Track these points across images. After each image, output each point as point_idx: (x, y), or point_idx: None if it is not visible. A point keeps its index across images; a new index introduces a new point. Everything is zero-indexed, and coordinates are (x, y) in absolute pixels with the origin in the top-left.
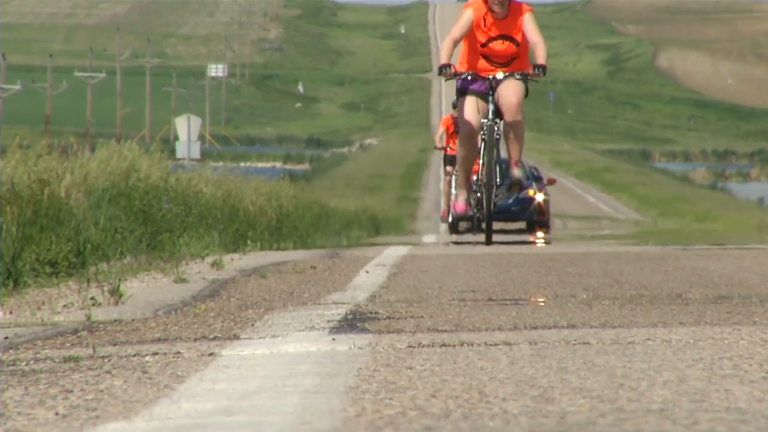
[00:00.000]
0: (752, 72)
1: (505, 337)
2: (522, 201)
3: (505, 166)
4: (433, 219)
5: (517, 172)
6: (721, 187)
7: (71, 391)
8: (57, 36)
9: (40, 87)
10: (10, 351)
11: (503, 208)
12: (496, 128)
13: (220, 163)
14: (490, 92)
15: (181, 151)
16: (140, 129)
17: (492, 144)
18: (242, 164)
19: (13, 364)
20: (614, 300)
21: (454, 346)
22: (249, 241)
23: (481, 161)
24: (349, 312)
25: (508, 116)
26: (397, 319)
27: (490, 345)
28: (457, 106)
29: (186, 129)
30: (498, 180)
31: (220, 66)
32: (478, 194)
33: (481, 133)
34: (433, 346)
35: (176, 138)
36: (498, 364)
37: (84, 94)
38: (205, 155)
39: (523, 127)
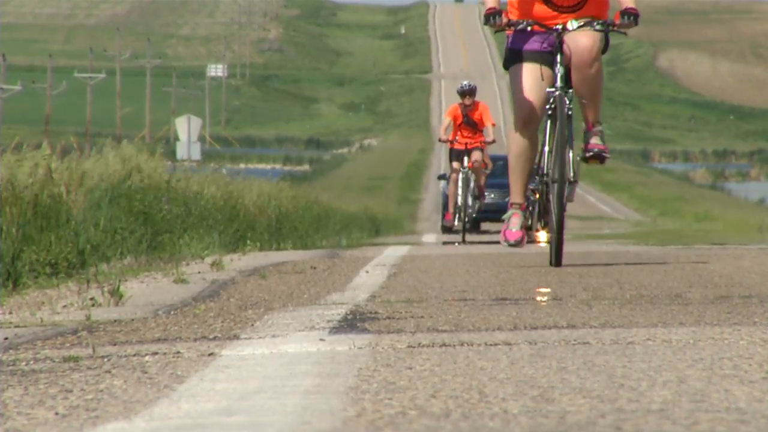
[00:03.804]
0: (752, 72)
1: (505, 337)
2: None
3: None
4: (433, 220)
5: (596, 140)
6: (720, 187)
7: (71, 391)
8: (57, 36)
9: (40, 87)
10: (10, 351)
11: (500, 207)
12: (567, 99)
13: (221, 166)
14: (558, 49)
15: (181, 152)
16: (140, 129)
17: (564, 121)
18: (242, 165)
19: (13, 364)
20: (614, 300)
21: (454, 346)
22: (249, 242)
23: (546, 147)
24: (349, 312)
25: (581, 66)
26: (397, 319)
27: (490, 345)
28: (510, 77)
29: (186, 129)
30: (573, 173)
31: (220, 66)
32: (539, 194)
33: (547, 106)
34: (433, 346)
35: (176, 139)
36: (498, 364)
37: (84, 94)
38: (205, 156)
39: (601, 80)
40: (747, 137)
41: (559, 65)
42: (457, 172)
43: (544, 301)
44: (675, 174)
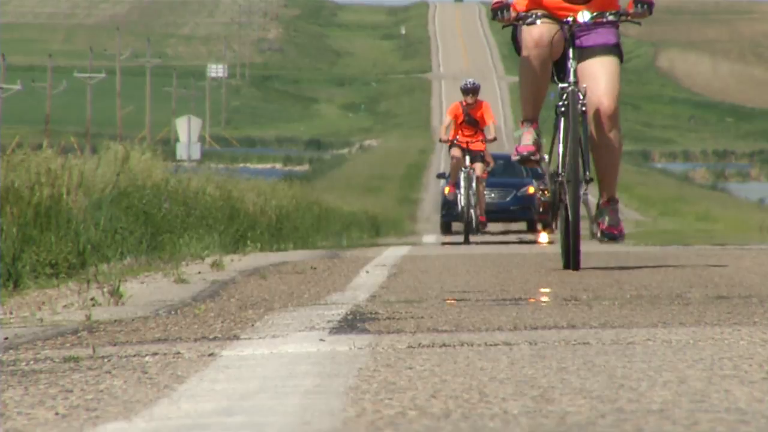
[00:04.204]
0: (752, 72)
1: (505, 338)
2: (521, 199)
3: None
4: (433, 221)
5: (610, 220)
6: (721, 187)
7: (71, 391)
8: (57, 36)
9: (40, 87)
10: (10, 351)
11: (501, 207)
12: (581, 95)
13: (224, 166)
14: (570, 43)
15: (181, 152)
16: (140, 129)
17: (576, 119)
18: (241, 165)
19: (13, 364)
20: (614, 300)
21: (454, 346)
22: (249, 242)
23: (560, 146)
24: (349, 312)
25: (596, 128)
26: (397, 319)
27: (490, 345)
28: (516, 36)
29: (186, 130)
30: (588, 172)
31: (220, 66)
32: (552, 194)
33: (560, 103)
34: (433, 347)
35: (177, 139)
36: (498, 365)
37: (84, 94)
38: (206, 156)
39: (619, 147)
40: (747, 137)
41: (571, 59)
42: (458, 159)
43: (544, 302)
44: (675, 174)
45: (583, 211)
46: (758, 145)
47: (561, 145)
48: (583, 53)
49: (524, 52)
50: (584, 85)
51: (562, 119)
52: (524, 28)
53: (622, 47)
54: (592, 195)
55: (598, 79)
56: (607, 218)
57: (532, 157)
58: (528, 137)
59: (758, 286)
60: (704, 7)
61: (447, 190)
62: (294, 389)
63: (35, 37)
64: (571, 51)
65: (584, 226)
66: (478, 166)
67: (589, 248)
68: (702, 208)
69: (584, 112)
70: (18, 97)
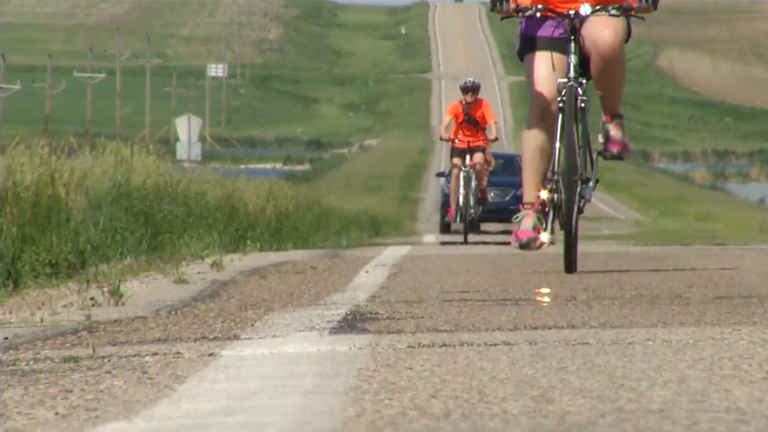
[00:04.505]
0: (752, 72)
1: (505, 338)
2: (521, 199)
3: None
4: (433, 221)
5: (615, 135)
6: (721, 187)
7: (71, 391)
8: (57, 36)
9: (40, 87)
10: (10, 351)
11: (501, 207)
12: (580, 90)
13: (223, 166)
14: (572, 37)
15: (181, 152)
16: (140, 129)
17: (572, 115)
18: (242, 166)
19: (13, 364)
20: (614, 300)
21: (454, 346)
22: (249, 242)
23: (557, 142)
24: (349, 312)
25: (601, 61)
26: (397, 319)
27: (490, 345)
28: (525, 67)
29: (186, 129)
30: (587, 171)
31: (220, 66)
32: (554, 195)
33: (558, 98)
34: (433, 347)
35: (177, 139)
36: (498, 365)
37: (84, 94)
38: (206, 156)
39: (623, 73)
40: (747, 137)
41: (572, 54)
42: (458, 168)
43: (544, 302)
44: (675, 174)
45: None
46: (758, 145)
47: (558, 143)
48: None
49: (529, 126)
50: (584, 81)
51: (561, 116)
52: (531, 64)
53: (631, 22)
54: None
55: (600, 25)
56: (611, 134)
57: (532, 245)
58: (528, 222)
59: (758, 286)
60: (704, 6)
61: (447, 190)
62: (294, 389)
63: (35, 37)
64: (572, 45)
65: (585, 227)
66: (477, 156)
67: (589, 248)
68: (702, 208)
69: (584, 108)
70: (18, 97)
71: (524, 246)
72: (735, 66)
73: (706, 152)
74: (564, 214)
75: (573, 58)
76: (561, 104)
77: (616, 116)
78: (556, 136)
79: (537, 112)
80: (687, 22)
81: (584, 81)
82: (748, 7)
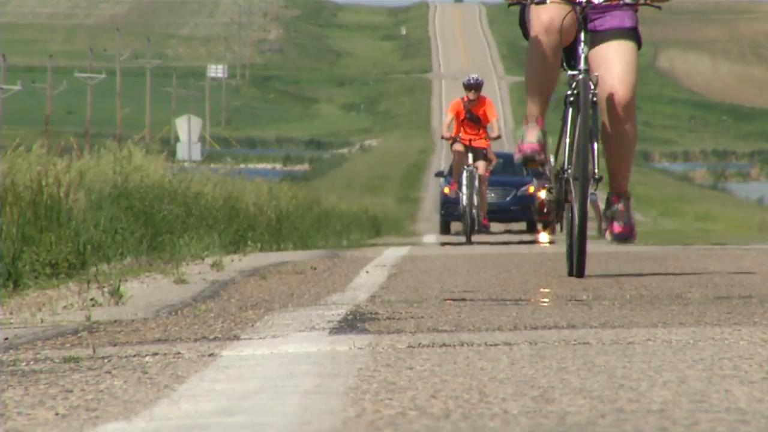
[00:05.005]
0: (752, 72)
1: (505, 338)
2: (521, 199)
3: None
4: (433, 220)
5: (620, 221)
6: (721, 187)
7: (71, 392)
8: (57, 36)
9: (40, 87)
10: (10, 351)
11: (501, 207)
12: (592, 83)
13: (226, 165)
14: (581, 25)
15: (181, 152)
16: (140, 129)
17: (586, 110)
18: (242, 166)
19: (13, 365)
20: (614, 300)
21: (454, 346)
22: (249, 242)
23: (567, 138)
24: (349, 312)
25: (610, 117)
26: (397, 319)
27: (490, 345)
28: (524, 19)
29: (186, 130)
30: (597, 170)
31: (220, 67)
32: (558, 191)
33: (569, 92)
34: (433, 347)
35: (177, 139)
36: (498, 365)
37: (84, 94)
38: (206, 157)
39: (634, 139)
40: (747, 137)
41: (583, 45)
42: (461, 154)
43: (544, 302)
44: (675, 174)
45: (591, 212)
46: (758, 145)
47: (568, 138)
48: (597, 37)
49: (532, 35)
50: (596, 74)
51: (571, 110)
52: (533, 8)
53: (640, 32)
54: (601, 191)
55: (612, 65)
56: (618, 217)
57: (536, 157)
58: (532, 135)
59: (758, 286)
60: (704, 6)
61: (447, 189)
62: (294, 389)
63: (35, 37)
64: (582, 35)
65: (591, 227)
66: (481, 165)
67: (589, 248)
68: (702, 208)
69: (595, 103)
70: (18, 97)
71: (528, 159)
72: (735, 66)
73: (706, 152)
74: (577, 216)
75: (584, 49)
76: (572, 98)
77: (623, 196)
78: (566, 131)
79: (541, 26)
80: (687, 22)
81: (596, 74)
82: (748, 7)
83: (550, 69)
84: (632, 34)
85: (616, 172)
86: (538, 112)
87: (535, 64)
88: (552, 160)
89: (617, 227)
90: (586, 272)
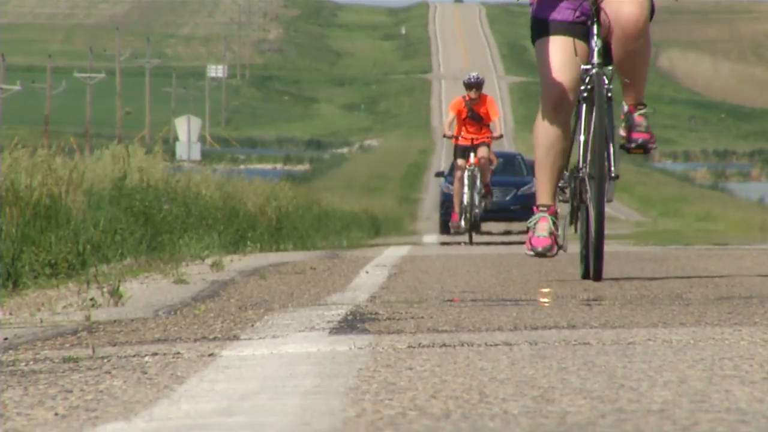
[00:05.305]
0: (753, 72)
1: (506, 338)
2: (522, 199)
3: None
4: (433, 219)
5: (640, 126)
6: (721, 187)
7: (71, 392)
8: (56, 36)
9: (40, 87)
10: (10, 351)
11: (501, 207)
12: (606, 78)
13: (221, 165)
14: (593, 18)
15: (181, 152)
16: (140, 129)
17: (603, 106)
18: (242, 166)
19: (12, 365)
20: (614, 300)
21: (455, 346)
22: (249, 242)
23: (581, 136)
24: (349, 313)
25: (625, 40)
26: (398, 319)
27: (491, 345)
28: (537, 53)
29: (186, 130)
30: (613, 168)
31: (220, 67)
32: (573, 191)
33: (582, 87)
34: (433, 347)
35: (176, 139)
36: (498, 365)
37: (83, 94)
38: (205, 157)
39: (648, 54)
40: (748, 137)
41: (595, 38)
42: (462, 170)
43: (544, 302)
44: (676, 174)
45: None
46: (759, 144)
47: (582, 136)
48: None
49: (542, 118)
50: (610, 67)
51: (585, 106)
52: (547, 49)
53: (654, 3)
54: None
55: (623, 2)
56: (636, 125)
57: (548, 254)
58: (543, 227)
59: (759, 286)
60: (704, 6)
61: (447, 189)
62: (294, 389)
63: (35, 37)
64: (594, 28)
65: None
66: (482, 150)
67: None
68: (703, 208)
69: (610, 98)
70: (18, 97)
71: (540, 255)
72: (735, 66)
73: (706, 152)
74: (594, 216)
75: (597, 42)
76: (586, 93)
77: (640, 105)
78: (580, 128)
79: (551, 103)
80: (687, 22)
81: (610, 68)
82: (748, 7)
83: (564, 149)
84: None
85: (632, 85)
86: (549, 197)
87: (549, 150)
88: (567, 248)
89: (637, 134)
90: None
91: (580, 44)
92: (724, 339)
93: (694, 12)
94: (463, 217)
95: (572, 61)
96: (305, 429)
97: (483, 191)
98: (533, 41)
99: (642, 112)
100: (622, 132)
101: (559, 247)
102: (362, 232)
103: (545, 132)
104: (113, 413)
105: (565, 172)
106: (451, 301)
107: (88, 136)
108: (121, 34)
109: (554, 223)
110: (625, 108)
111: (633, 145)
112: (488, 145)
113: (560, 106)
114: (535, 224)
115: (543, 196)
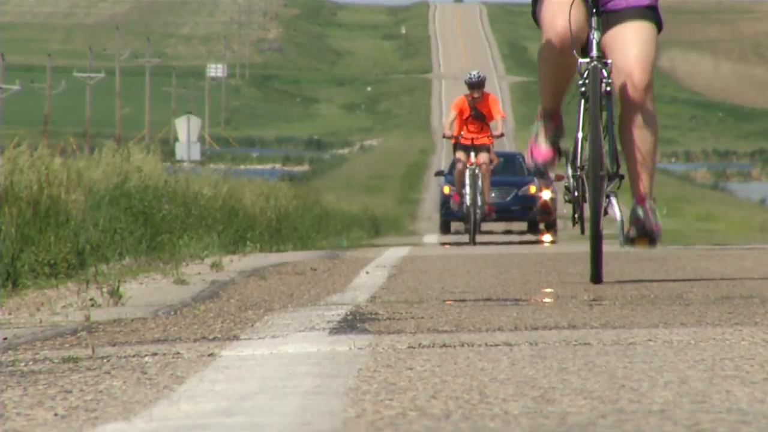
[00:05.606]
0: (754, 72)
1: (506, 338)
2: (522, 199)
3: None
4: (433, 219)
5: (646, 216)
6: (722, 187)
7: (70, 392)
8: (56, 36)
9: (39, 87)
10: (10, 352)
11: (501, 207)
12: (605, 72)
13: (220, 165)
14: (593, 10)
15: (180, 152)
16: (140, 129)
17: (598, 100)
18: (241, 167)
19: (12, 365)
20: (615, 300)
21: (455, 346)
22: (249, 243)
23: (580, 133)
24: (349, 313)
25: (625, 102)
26: (398, 319)
27: (491, 346)
28: (538, 15)
29: (186, 130)
30: (611, 165)
31: (220, 66)
32: (575, 191)
33: (580, 81)
34: (433, 347)
35: (176, 139)
36: (498, 365)
37: (83, 94)
38: (205, 157)
39: (654, 128)
40: (748, 137)
41: (594, 30)
42: (462, 163)
43: (545, 302)
44: (676, 174)
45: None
46: (759, 144)
47: (581, 133)
48: (611, 19)
49: (543, 38)
50: (609, 60)
51: (583, 101)
52: (545, 4)
53: (660, 12)
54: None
55: (627, 46)
56: (639, 215)
57: (549, 167)
58: (543, 138)
59: (760, 286)
60: (706, 6)
61: (447, 189)
62: (294, 390)
63: (34, 36)
64: (594, 20)
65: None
66: (483, 156)
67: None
68: (703, 208)
69: (609, 92)
70: (17, 97)
71: (541, 168)
72: (736, 66)
73: (707, 152)
74: (591, 217)
75: (595, 35)
76: (583, 88)
77: (648, 197)
78: (579, 124)
79: (553, 32)
80: (688, 22)
81: (609, 62)
82: (749, 7)
83: (562, 75)
84: (650, 13)
85: (638, 171)
86: (553, 103)
87: (547, 70)
88: (569, 173)
89: (639, 229)
90: (588, 271)
91: (579, 4)
92: (725, 339)
93: (695, 12)
94: (463, 206)
95: (566, 14)
96: (305, 429)
97: (484, 209)
98: (534, 16)
99: (649, 205)
100: (625, 226)
101: (561, 155)
102: (362, 233)
103: (547, 54)
104: (113, 413)
105: (568, 171)
106: (444, 301)
107: (87, 136)
108: (120, 33)
109: (557, 133)
110: (634, 199)
111: (633, 234)
112: (489, 149)
113: (562, 45)
114: (536, 134)
115: (546, 99)
